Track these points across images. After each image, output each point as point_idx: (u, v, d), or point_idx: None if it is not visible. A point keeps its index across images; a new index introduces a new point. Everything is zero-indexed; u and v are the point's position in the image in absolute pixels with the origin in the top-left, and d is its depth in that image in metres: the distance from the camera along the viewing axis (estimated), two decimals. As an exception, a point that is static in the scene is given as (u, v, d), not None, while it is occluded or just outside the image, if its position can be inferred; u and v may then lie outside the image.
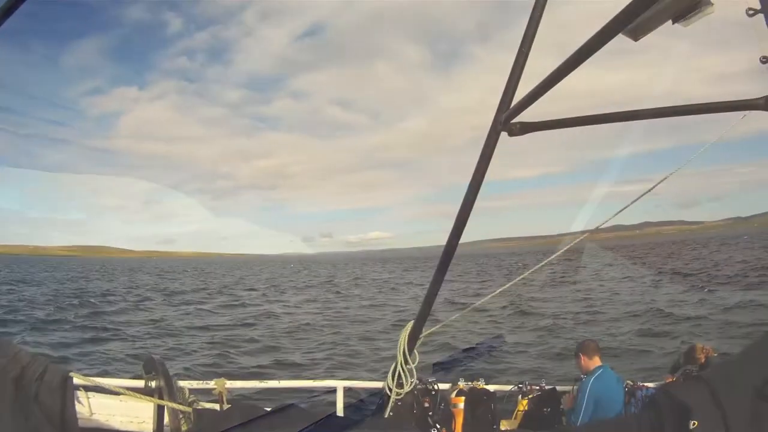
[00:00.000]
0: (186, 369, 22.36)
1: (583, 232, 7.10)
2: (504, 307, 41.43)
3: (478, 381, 9.52)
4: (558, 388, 9.55)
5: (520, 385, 9.81)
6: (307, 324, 37.43)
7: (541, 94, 5.01)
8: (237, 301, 55.95)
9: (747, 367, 4.26)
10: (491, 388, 9.59)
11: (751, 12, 4.80)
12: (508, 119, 5.36)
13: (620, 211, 6.17)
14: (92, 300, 49.57)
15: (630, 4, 4.26)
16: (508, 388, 10.04)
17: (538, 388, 9.64)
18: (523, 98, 5.17)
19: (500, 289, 7.91)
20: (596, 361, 8.39)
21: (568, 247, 7.07)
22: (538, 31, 4.98)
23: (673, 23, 5.31)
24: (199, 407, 6.83)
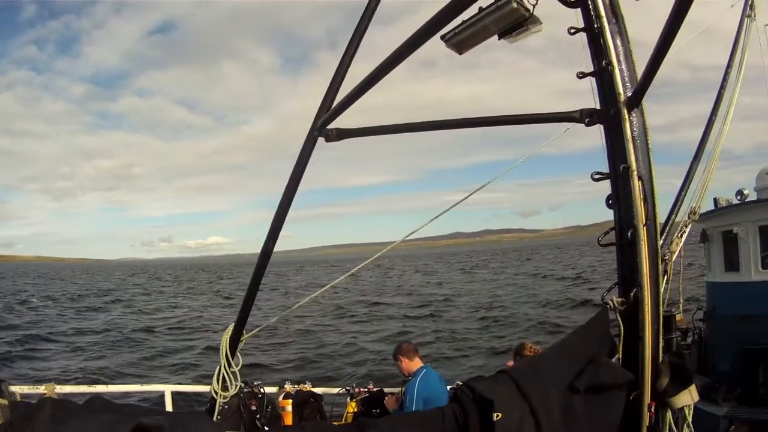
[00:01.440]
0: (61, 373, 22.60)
1: (390, 243, 7.25)
2: (333, 311, 42.68)
3: (305, 384, 9.55)
4: (386, 389, 9.71)
5: (348, 388, 9.92)
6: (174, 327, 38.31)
7: (355, 100, 5.10)
8: (94, 307, 55.53)
9: (556, 362, 4.48)
10: (318, 390, 9.64)
11: (572, 31, 5.10)
12: (324, 125, 5.39)
13: (432, 219, 6.31)
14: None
15: (434, 16, 4.43)
16: (335, 390, 10.13)
17: (366, 390, 9.78)
18: (337, 104, 5.23)
19: (318, 292, 7.99)
20: (417, 363, 8.57)
21: (380, 254, 7.18)
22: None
23: (499, 39, 5.55)
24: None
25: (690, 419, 5.11)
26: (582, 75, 4.93)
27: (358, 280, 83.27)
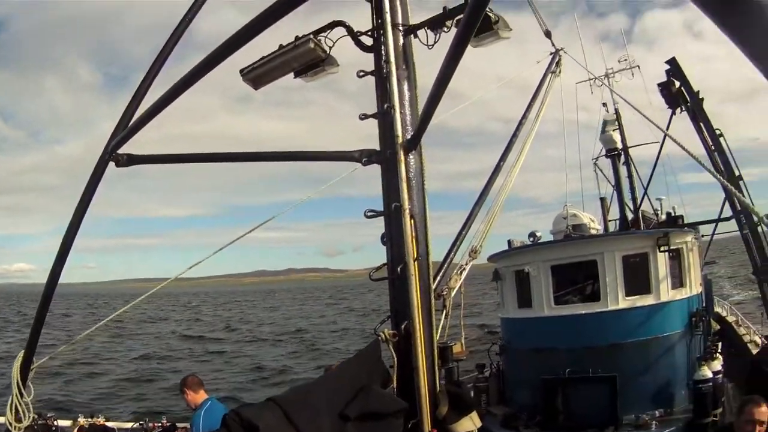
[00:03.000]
0: None
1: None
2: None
3: (98, 417, 9.25)
4: (178, 424, 9.61)
5: (142, 423, 9.69)
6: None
7: (144, 124, 5.06)
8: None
9: (326, 391, 4.58)
10: (112, 424, 9.37)
11: (362, 74, 5.29)
12: (115, 149, 5.30)
13: (203, 260, 6.23)
14: None
15: (224, 41, 4.49)
16: (129, 425, 9.88)
17: (159, 424, 9.60)
18: (128, 128, 5.17)
19: (97, 325, 7.79)
20: (202, 395, 8.51)
21: (158, 288, 7.01)
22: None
23: (295, 77, 5.72)
24: None
25: None
26: (364, 116, 5.14)
27: (174, 313, 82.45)
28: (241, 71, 5.54)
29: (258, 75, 5.51)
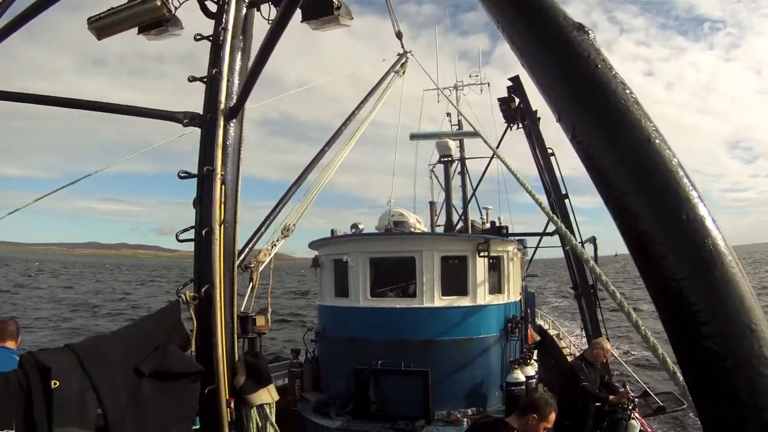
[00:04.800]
0: None
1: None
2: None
3: None
4: None
5: None
6: None
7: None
8: None
9: (122, 344, 4.49)
10: None
11: (198, 37, 5.27)
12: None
13: None
14: None
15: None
16: None
17: None
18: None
19: None
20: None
21: None
22: None
23: (139, 33, 5.62)
24: None
25: (273, 418, 5.45)
26: (193, 79, 5.13)
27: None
28: (89, 19, 5.43)
29: (103, 25, 5.43)
